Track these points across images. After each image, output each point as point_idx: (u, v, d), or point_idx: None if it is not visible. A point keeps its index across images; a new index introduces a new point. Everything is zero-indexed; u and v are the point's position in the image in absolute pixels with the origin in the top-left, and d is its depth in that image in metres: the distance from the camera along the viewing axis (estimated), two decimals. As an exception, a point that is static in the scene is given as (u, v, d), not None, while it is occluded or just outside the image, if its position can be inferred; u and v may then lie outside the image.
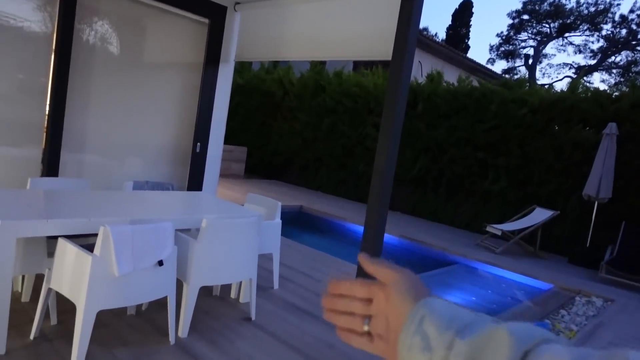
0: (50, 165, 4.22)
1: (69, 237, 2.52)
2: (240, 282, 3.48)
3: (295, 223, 7.58)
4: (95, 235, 2.61)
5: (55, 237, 2.55)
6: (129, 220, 2.65)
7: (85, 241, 2.92)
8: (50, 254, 2.74)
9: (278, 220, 3.80)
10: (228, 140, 8.57)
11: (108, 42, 4.55)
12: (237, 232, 2.97)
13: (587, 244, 6.90)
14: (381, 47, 3.98)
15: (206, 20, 5.15)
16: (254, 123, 12.27)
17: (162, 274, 2.57)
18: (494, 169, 8.30)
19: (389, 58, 3.67)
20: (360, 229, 7.33)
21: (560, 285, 5.55)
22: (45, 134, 4.20)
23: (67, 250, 2.41)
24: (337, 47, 4.43)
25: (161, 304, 2.83)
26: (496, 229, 6.91)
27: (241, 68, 12.47)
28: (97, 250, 2.30)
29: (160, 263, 2.51)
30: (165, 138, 5.15)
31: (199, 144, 5.31)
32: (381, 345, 0.54)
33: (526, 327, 0.43)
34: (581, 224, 7.09)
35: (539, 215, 7.09)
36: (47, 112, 4.20)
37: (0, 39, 3.87)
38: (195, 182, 5.36)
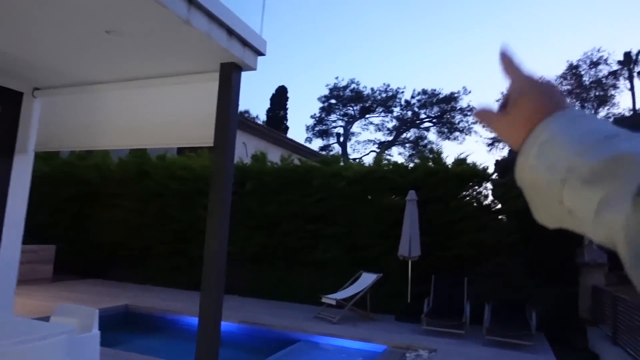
0: None
1: None
2: (48, 419, 2.81)
3: (121, 327, 6.67)
4: None
5: None
6: None
7: None
8: None
9: (96, 332, 3.27)
10: (32, 238, 7.32)
11: None
12: (38, 358, 2.43)
13: (408, 300, 7.63)
14: (203, 133, 3.98)
15: (-4, 107, 4.48)
16: (67, 215, 10.82)
17: None
18: (325, 238, 8.79)
19: (212, 143, 3.68)
20: (195, 321, 6.81)
21: (392, 344, 5.94)
22: None
23: None
24: (158, 134, 4.29)
25: None
26: (330, 299, 7.17)
27: (47, 155, 11.08)
28: None
29: None
30: (-62, 247, 4.12)
31: (-13, 249, 4.38)
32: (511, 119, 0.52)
33: None
34: (401, 282, 7.87)
35: (366, 279, 7.64)
36: None
37: None
38: (-18, 298, 4.34)
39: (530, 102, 0.51)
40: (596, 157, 0.41)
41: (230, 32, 3.43)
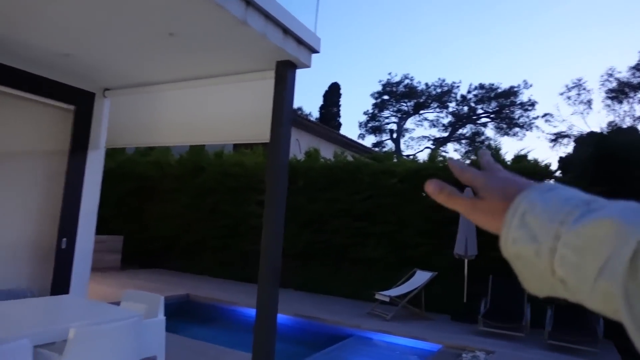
0: None
1: None
2: (118, 396, 3.03)
3: (182, 315, 7.00)
4: None
5: None
6: (-30, 343, 2.20)
7: None
8: None
9: (161, 317, 3.47)
10: (100, 229, 7.85)
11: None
12: (112, 339, 2.62)
13: (464, 300, 7.45)
14: (259, 130, 4.10)
15: (72, 107, 4.84)
16: (130, 208, 11.49)
17: (15, 406, 2.13)
18: (374, 236, 8.75)
19: (267, 140, 3.78)
20: (252, 312, 7.03)
21: (447, 344, 5.83)
22: None
23: None
24: (215, 131, 4.46)
25: None
26: (384, 295, 7.14)
27: (112, 151, 11.80)
28: None
29: (13, 392, 2.09)
30: (22, 235, 4.53)
31: (64, 239, 4.76)
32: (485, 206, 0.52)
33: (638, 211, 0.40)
34: (456, 281, 7.68)
35: (420, 277, 7.53)
36: None
37: None
38: (60, 283, 4.72)
39: (500, 189, 0.52)
40: (580, 223, 0.41)
41: (286, 31, 3.51)
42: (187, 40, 3.53)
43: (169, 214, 10.87)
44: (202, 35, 3.43)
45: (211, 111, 4.48)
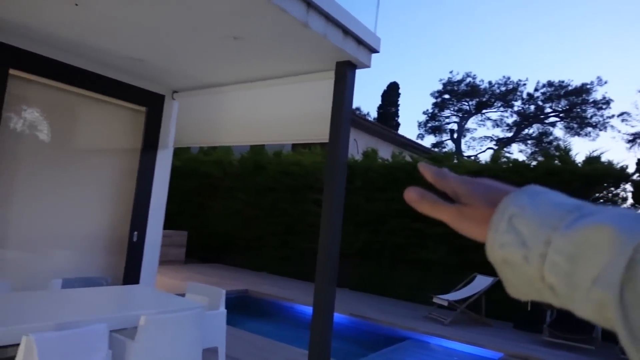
0: (-35, 266, 3.82)
1: (-17, 351, 2.23)
2: (183, 383, 3.19)
3: (241, 309, 7.24)
4: (17, 345, 2.33)
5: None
6: (55, 325, 2.41)
7: (4, 353, 2.60)
8: (-41, 372, 2.40)
9: (222, 310, 3.61)
10: (166, 224, 8.30)
11: (38, 130, 4.40)
12: (178, 327, 2.77)
13: (528, 308, 7.11)
14: (318, 129, 4.15)
15: (143, 109, 5.16)
16: (193, 205, 12.03)
17: (93, 384, 2.31)
18: (432, 238, 8.57)
19: (326, 139, 3.83)
20: (308, 309, 7.13)
21: (509, 352, 5.60)
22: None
23: (-21, 367, 2.12)
24: (276, 131, 4.57)
25: (91, 419, 2.51)
26: (442, 299, 6.97)
27: (178, 150, 12.41)
28: (16, 364, 2.04)
29: (92, 371, 2.27)
30: (100, 227, 4.88)
31: (135, 232, 5.07)
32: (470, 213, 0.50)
33: (636, 218, 0.38)
34: (520, 287, 7.35)
35: (481, 282, 7.28)
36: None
37: None
38: (132, 274, 5.04)
39: (486, 195, 0.50)
40: (573, 229, 0.40)
41: (346, 32, 3.53)
42: (250, 43, 3.65)
43: (230, 211, 11.27)
44: (265, 38, 3.53)
45: (272, 111, 4.60)
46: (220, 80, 4.78)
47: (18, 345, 2.20)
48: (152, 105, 5.19)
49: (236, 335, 5.04)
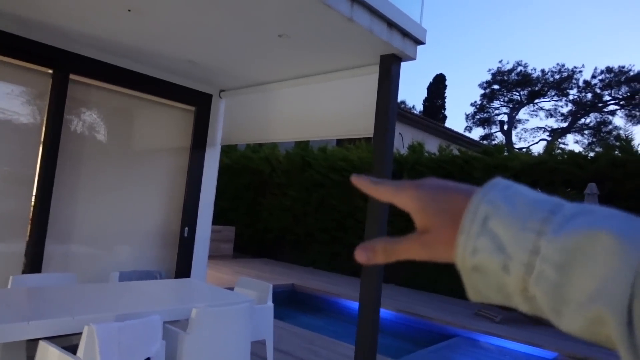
0: (34, 258, 4.10)
1: (51, 339, 2.39)
2: (233, 374, 3.28)
3: (288, 303, 7.34)
4: (79, 334, 2.48)
5: (36, 340, 2.42)
6: (114, 316, 2.54)
7: (69, 341, 2.77)
8: (30, 358, 2.58)
9: (270, 304, 3.68)
10: (216, 220, 8.56)
11: (96, 132, 4.65)
12: (228, 320, 2.85)
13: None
14: (363, 124, 4.13)
15: (192, 108, 5.32)
16: (243, 201, 12.30)
17: (150, 373, 2.42)
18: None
19: (371, 134, 3.80)
20: (355, 305, 7.13)
21: (566, 352, 5.36)
22: (30, 225, 4.13)
23: (48, 354, 2.27)
24: (321, 127, 4.58)
25: (149, 405, 2.63)
26: (493, 296, 6.76)
27: (228, 148, 12.73)
28: (80, 352, 2.17)
29: (148, 361, 2.38)
30: (153, 223, 5.10)
31: (186, 228, 5.26)
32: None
33: (634, 223, 0.34)
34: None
35: (534, 279, 7.00)
36: (32, 203, 4.15)
37: (-11, 136, 3.93)
38: (183, 268, 5.24)
39: (444, 208, 0.41)
40: (562, 235, 0.34)
41: (391, 25, 3.48)
42: (295, 40, 3.67)
43: (279, 207, 11.43)
44: (310, 35, 3.54)
45: (317, 107, 4.62)
46: (265, 79, 4.84)
47: (81, 334, 2.35)
48: (200, 104, 5.35)
49: (283, 329, 5.13)
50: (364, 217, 10.51)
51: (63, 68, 4.24)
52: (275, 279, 8.22)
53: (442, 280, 8.70)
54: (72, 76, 4.32)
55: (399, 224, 8.63)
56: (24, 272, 4.05)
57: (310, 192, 10.92)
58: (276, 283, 7.51)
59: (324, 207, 10.64)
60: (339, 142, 12.98)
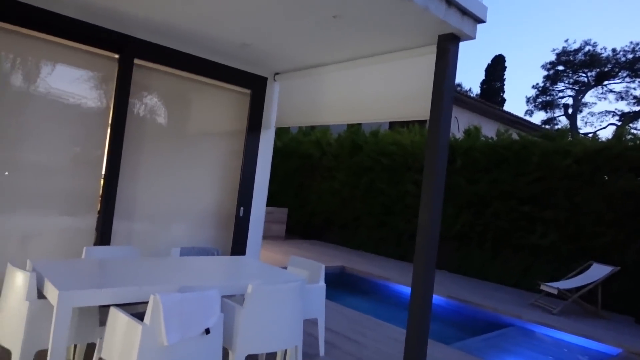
0: (104, 233, 4.40)
1: (120, 306, 2.58)
2: (285, 350, 3.39)
3: (338, 284, 7.43)
4: (144, 303, 2.65)
5: (107, 306, 2.61)
6: (177, 288, 2.69)
7: (134, 309, 2.97)
8: (102, 322, 2.79)
9: (322, 284, 3.74)
10: (268, 202, 8.78)
11: (157, 114, 4.86)
12: (282, 297, 2.94)
13: (655, 302, 6.37)
14: (417, 107, 4.05)
15: (248, 91, 5.43)
16: (293, 184, 12.49)
17: (208, 343, 2.55)
18: (542, 222, 7.97)
19: (426, 117, 3.72)
20: (403, 289, 7.11)
21: (631, 349, 5.09)
22: (100, 202, 4.42)
23: (118, 320, 2.45)
24: (375, 110, 4.54)
25: (207, 373, 2.78)
26: (552, 287, 6.51)
27: (279, 132, 12.91)
28: (147, 319, 2.33)
29: (207, 331, 2.50)
30: (210, 203, 5.30)
31: (242, 208, 5.43)
32: None
33: None
34: (644, 279, 6.60)
35: (597, 271, 6.66)
36: (102, 182, 4.44)
37: (60, 116, 4.21)
38: (238, 246, 5.43)
39: None
40: None
41: (449, 2, 3.36)
42: (350, 21, 3.64)
43: (328, 191, 11.52)
44: (364, 15, 3.49)
45: (371, 89, 4.57)
46: (320, 61, 4.85)
47: (146, 303, 2.51)
48: (256, 87, 5.45)
49: (334, 309, 5.21)
50: (414, 202, 10.42)
51: (128, 53, 4.45)
52: (325, 260, 8.33)
53: (496, 269, 8.46)
54: (136, 61, 4.53)
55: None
56: (95, 244, 4.37)
57: (359, 176, 10.90)
58: (326, 265, 7.61)
59: (372, 191, 10.60)
60: (391, 125, 12.80)
